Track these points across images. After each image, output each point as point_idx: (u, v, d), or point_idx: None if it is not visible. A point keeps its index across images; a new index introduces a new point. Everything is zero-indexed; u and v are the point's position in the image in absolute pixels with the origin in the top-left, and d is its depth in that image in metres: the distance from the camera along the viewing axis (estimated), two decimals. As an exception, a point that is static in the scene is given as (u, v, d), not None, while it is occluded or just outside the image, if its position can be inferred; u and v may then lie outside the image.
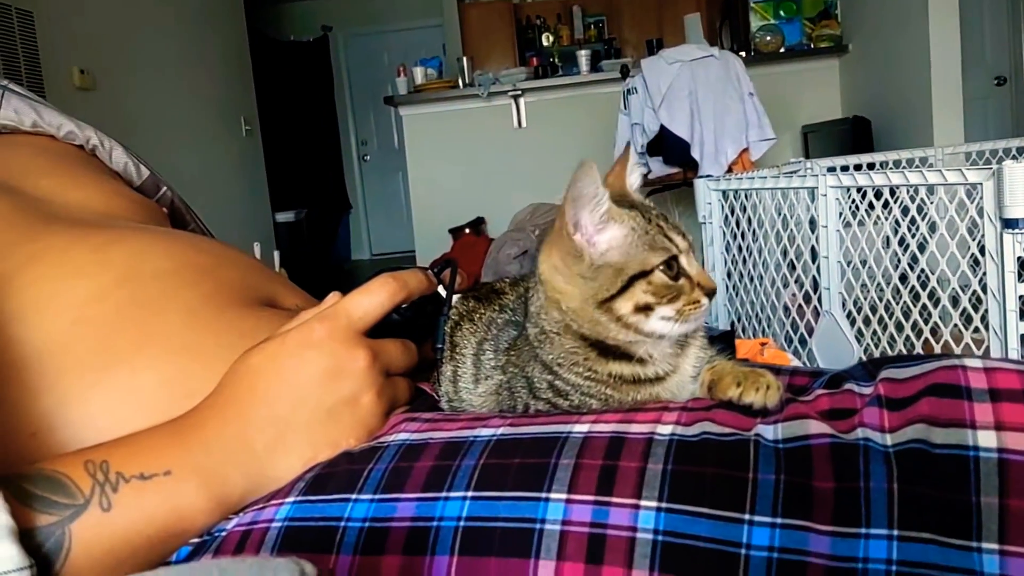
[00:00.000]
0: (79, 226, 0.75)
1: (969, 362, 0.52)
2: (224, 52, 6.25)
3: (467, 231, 5.82)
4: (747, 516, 0.48)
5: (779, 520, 0.47)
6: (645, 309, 0.57)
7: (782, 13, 5.76)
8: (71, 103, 4.09)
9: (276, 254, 4.50)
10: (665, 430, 0.54)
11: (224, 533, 0.56)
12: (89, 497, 0.52)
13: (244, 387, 0.60)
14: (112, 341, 0.65)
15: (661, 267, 0.57)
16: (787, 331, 2.06)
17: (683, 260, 0.58)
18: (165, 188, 1.05)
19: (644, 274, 0.57)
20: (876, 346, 1.80)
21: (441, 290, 0.72)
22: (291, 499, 0.56)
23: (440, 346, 0.70)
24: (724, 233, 2.31)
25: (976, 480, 0.45)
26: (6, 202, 0.74)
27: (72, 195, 0.83)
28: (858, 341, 1.84)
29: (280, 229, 7.04)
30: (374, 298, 0.65)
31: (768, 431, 0.53)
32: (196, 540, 0.56)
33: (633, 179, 0.63)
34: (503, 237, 5.36)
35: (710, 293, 0.58)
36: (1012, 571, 0.43)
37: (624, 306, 0.57)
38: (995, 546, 0.44)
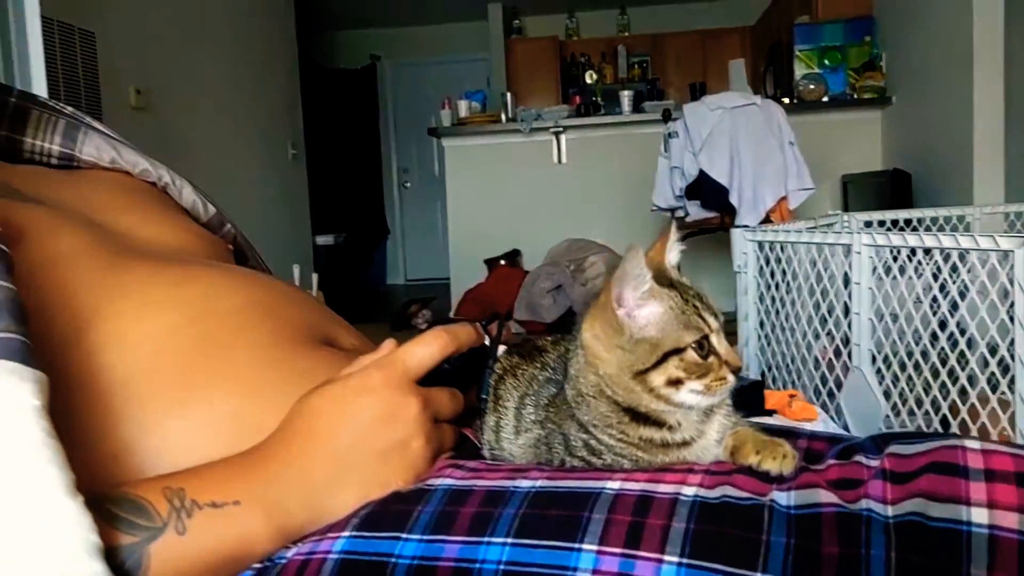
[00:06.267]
0: (156, 261, 0.80)
1: (969, 443, 0.56)
2: (275, 77, 6.38)
3: (503, 262, 5.87)
4: (759, 574, 0.52)
5: None
6: (676, 383, 0.62)
7: (827, 62, 5.78)
8: (127, 121, 4.20)
9: (315, 276, 4.58)
10: (689, 491, 0.59)
11: (284, 561, 0.61)
12: (167, 521, 0.57)
13: (307, 425, 0.66)
14: (187, 375, 0.71)
15: (693, 345, 0.62)
16: (816, 384, 2.08)
17: (714, 339, 0.63)
18: (229, 225, 1.11)
19: (678, 351, 0.61)
20: (903, 403, 1.82)
21: (487, 341, 0.78)
22: (346, 533, 0.61)
23: (484, 397, 0.75)
24: (758, 283, 2.33)
25: (968, 553, 0.50)
26: (90, 235, 0.78)
27: (147, 230, 0.89)
28: (887, 395, 1.86)
29: (319, 252, 7.13)
30: (428, 349, 0.70)
31: (782, 497, 0.58)
32: (258, 566, 0.61)
33: (672, 256, 0.68)
34: (538, 270, 5.40)
35: (736, 371, 0.63)
36: None
37: (657, 379, 0.62)
38: None
